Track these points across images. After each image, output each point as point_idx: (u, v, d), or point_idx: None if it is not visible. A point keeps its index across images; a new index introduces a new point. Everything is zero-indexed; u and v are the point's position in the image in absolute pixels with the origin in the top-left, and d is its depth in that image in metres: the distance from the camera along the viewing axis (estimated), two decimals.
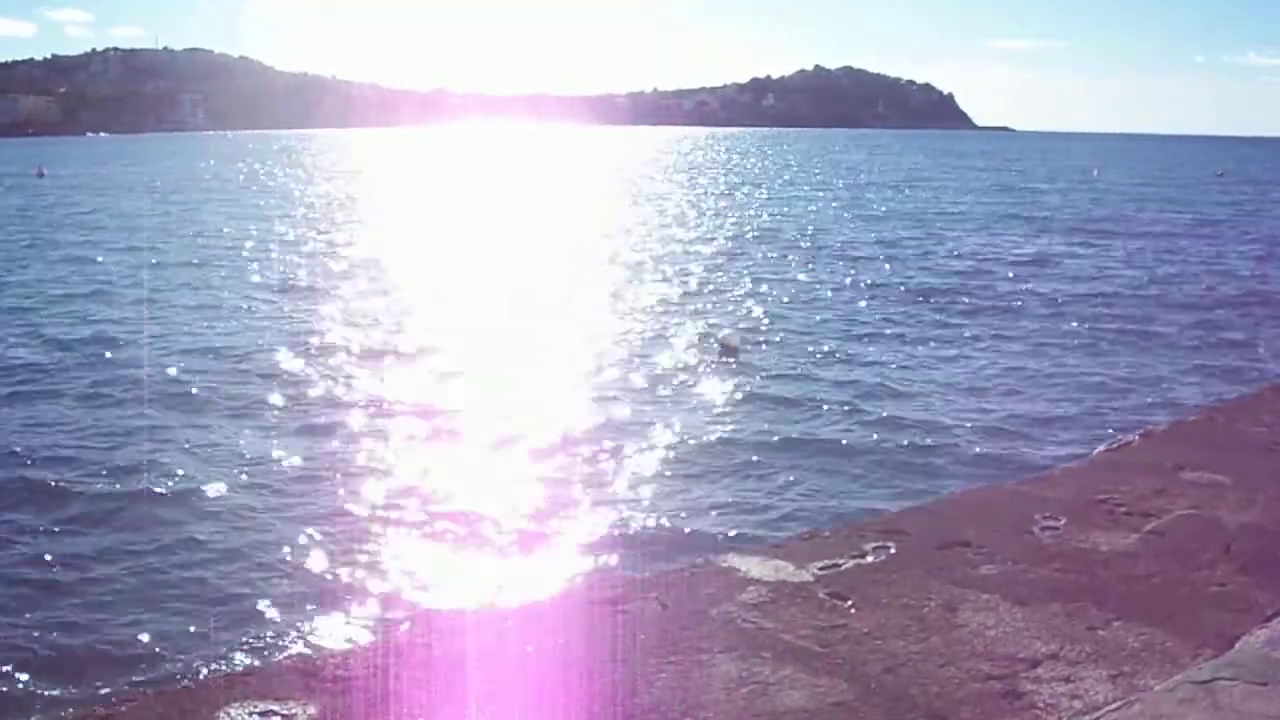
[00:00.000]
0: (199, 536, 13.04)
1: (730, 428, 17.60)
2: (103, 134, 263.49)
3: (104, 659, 10.20)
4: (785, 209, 65.19)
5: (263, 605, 11.29)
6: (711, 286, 32.87)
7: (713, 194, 79.84)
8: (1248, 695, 3.18)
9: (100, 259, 39.45)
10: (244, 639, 10.58)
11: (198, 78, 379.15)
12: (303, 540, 12.87)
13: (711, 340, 24.05)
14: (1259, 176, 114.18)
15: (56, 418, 18.06)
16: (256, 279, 34.61)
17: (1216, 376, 21.41)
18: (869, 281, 34.20)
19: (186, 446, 16.42)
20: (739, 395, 19.66)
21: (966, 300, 30.48)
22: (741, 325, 26.11)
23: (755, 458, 16.11)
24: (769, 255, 41.35)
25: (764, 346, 23.94)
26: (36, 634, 10.62)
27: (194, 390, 19.77)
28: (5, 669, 9.91)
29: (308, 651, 9.17)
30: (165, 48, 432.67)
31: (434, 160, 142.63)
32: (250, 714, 3.08)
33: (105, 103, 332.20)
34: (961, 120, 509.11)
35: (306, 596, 11.49)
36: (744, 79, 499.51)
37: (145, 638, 10.59)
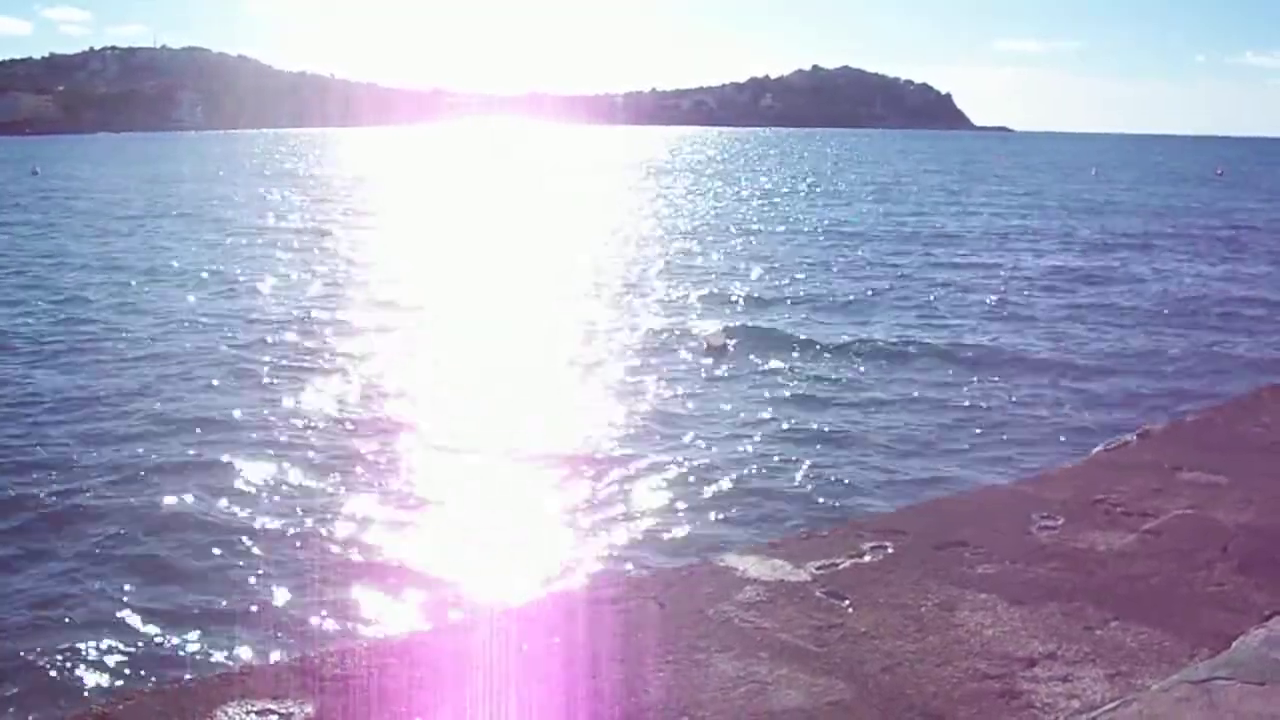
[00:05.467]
0: (196, 535, 13.02)
1: (722, 427, 17.59)
2: (101, 133, 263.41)
3: (101, 658, 10.19)
4: (772, 207, 65.22)
5: (260, 604, 11.28)
6: (696, 286, 32.82)
7: (702, 193, 79.80)
8: (1244, 695, 3.18)
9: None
10: (241, 638, 10.57)
11: (196, 76, 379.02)
12: (300, 539, 12.86)
13: (698, 340, 24.04)
14: (1257, 175, 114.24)
15: (50, 415, 18.04)
16: (258, 276, 34.57)
17: (1215, 379, 21.42)
18: (855, 279, 34.21)
19: (184, 446, 16.40)
20: (728, 395, 19.65)
21: (959, 300, 30.50)
22: (726, 325, 26.08)
23: (750, 457, 16.11)
24: (753, 254, 41.30)
25: (749, 346, 23.92)
26: (32, 633, 10.61)
27: (190, 389, 19.76)
28: (2, 669, 9.90)
29: (305, 650, 9.16)
30: (163, 46, 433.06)
31: (432, 159, 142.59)
32: (248, 713, 3.08)
33: (104, 101, 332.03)
34: (959, 120, 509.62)
35: (305, 595, 11.48)
36: (742, 79, 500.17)
37: (142, 636, 10.58)
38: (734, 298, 30.42)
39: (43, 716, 9.08)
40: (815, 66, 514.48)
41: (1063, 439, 16.66)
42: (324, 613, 11.10)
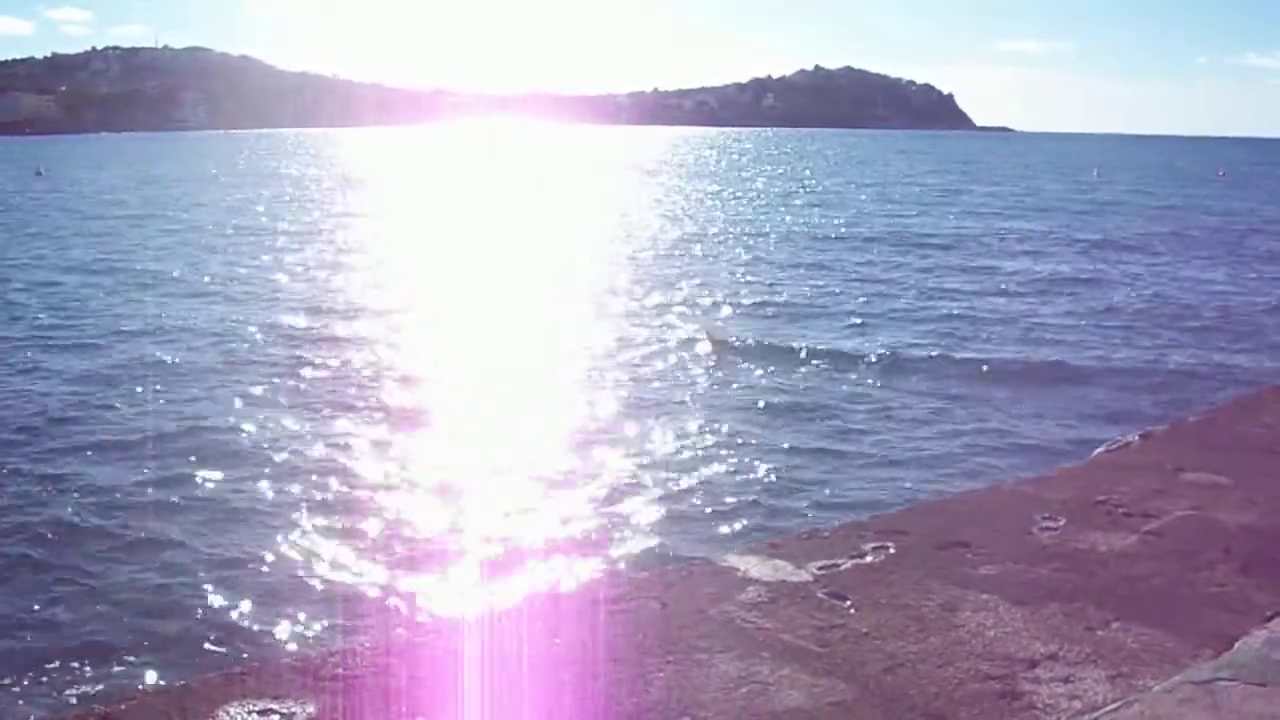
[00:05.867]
0: (198, 535, 13.04)
1: (725, 426, 17.58)
2: (103, 133, 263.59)
3: (103, 658, 10.20)
4: (773, 210, 65.22)
5: (262, 605, 11.29)
6: (699, 283, 32.82)
7: (702, 195, 79.75)
8: (1246, 696, 3.18)
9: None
10: (243, 638, 10.58)
11: (198, 76, 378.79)
12: (303, 540, 12.87)
13: (701, 337, 24.02)
14: (1258, 176, 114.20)
15: (53, 415, 18.05)
16: (259, 275, 34.58)
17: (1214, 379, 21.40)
18: (857, 283, 34.21)
19: (186, 445, 16.41)
20: (731, 393, 19.65)
21: (960, 303, 30.49)
22: (730, 321, 26.05)
23: (752, 457, 16.11)
24: (756, 257, 41.29)
25: (753, 342, 23.90)
26: (36, 634, 10.63)
27: (193, 389, 19.77)
28: (5, 669, 9.91)
29: (307, 650, 9.16)
30: (165, 46, 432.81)
31: (432, 159, 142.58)
32: (249, 713, 3.07)
33: (106, 101, 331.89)
34: (961, 120, 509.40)
35: (306, 596, 11.49)
36: (744, 79, 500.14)
37: (144, 636, 10.59)
38: (736, 302, 30.40)
39: (46, 715, 9.08)
40: (817, 66, 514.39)
41: (1064, 440, 16.64)
42: (326, 613, 11.11)
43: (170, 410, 18.46)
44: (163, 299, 30.40)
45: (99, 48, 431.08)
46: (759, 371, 21.52)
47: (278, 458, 15.93)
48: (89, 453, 16.13)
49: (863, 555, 4.39)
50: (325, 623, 10.93)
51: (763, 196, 77.06)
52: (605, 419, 17.90)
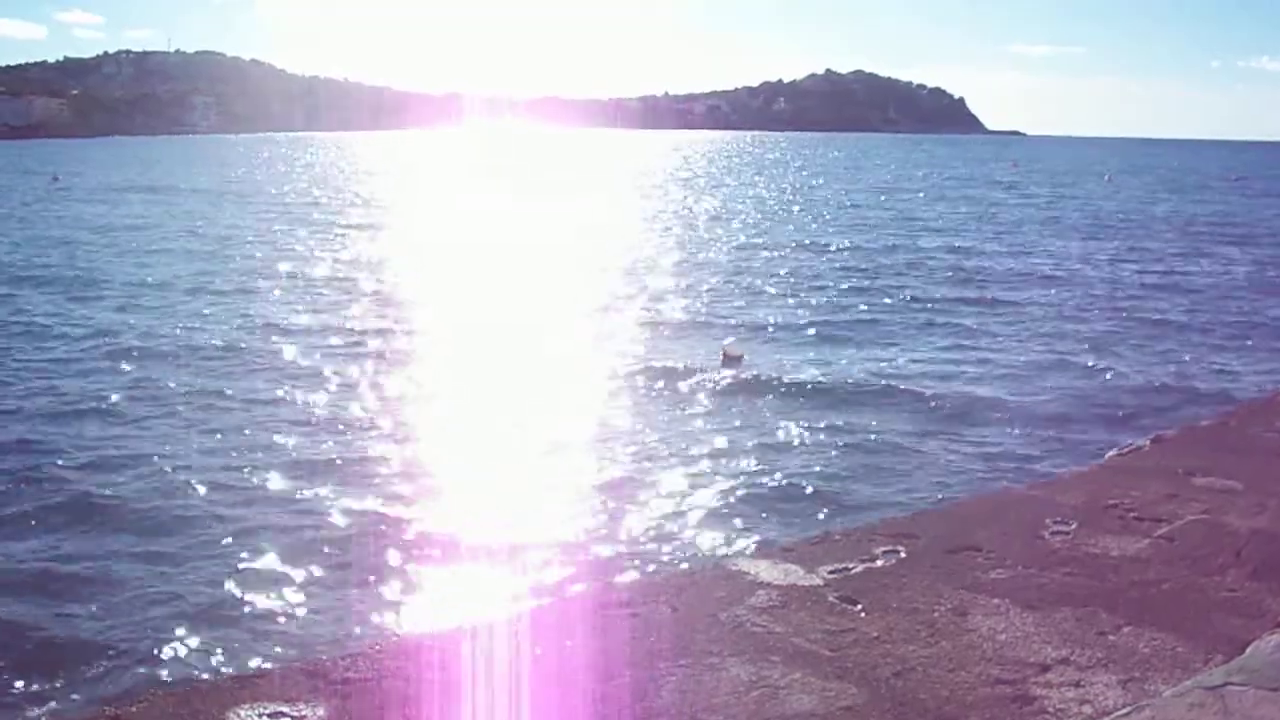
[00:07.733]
0: (208, 537, 13.06)
1: (736, 434, 17.55)
2: (115, 136, 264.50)
3: (113, 659, 10.22)
4: (782, 214, 65.22)
5: (272, 607, 11.31)
6: (712, 295, 32.77)
7: (713, 200, 79.75)
8: (1259, 701, 3.17)
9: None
10: (253, 640, 10.60)
11: (210, 80, 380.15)
12: (313, 542, 12.88)
13: (715, 350, 23.99)
14: (1271, 180, 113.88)
15: (61, 414, 18.10)
16: (265, 275, 34.67)
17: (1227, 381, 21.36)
18: (873, 286, 34.18)
19: (194, 447, 16.45)
20: (744, 403, 19.59)
21: (973, 304, 30.45)
22: (744, 334, 26.02)
23: (763, 463, 16.09)
24: (769, 262, 41.24)
25: (767, 355, 23.88)
26: (45, 635, 10.64)
27: (199, 390, 19.81)
28: (15, 669, 9.94)
29: (317, 653, 9.17)
30: (177, 50, 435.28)
31: (444, 162, 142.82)
32: (260, 715, 3.09)
33: (118, 105, 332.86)
34: (972, 124, 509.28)
35: (316, 598, 11.50)
36: (755, 83, 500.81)
37: (154, 638, 10.61)
38: (750, 310, 30.34)
39: (57, 715, 9.11)
40: (829, 70, 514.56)
41: (1075, 444, 16.60)
42: (336, 616, 11.12)
43: (177, 410, 18.51)
44: (179, 302, 30.51)
45: (110, 52, 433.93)
46: (770, 381, 21.46)
47: (285, 458, 15.95)
48: (101, 448, 16.18)
49: (873, 559, 4.40)
50: (336, 626, 10.94)
51: (769, 204, 76.99)
52: (614, 425, 17.88)
